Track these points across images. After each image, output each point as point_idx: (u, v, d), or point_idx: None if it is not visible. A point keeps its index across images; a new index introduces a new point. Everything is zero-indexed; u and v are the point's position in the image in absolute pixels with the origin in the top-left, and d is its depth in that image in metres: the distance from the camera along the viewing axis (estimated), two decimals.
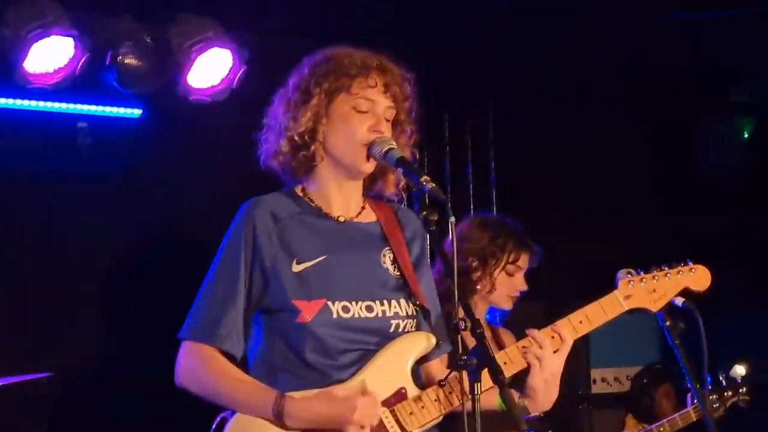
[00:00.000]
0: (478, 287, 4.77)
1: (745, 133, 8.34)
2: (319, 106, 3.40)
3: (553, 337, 3.49)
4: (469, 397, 3.13)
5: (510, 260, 4.81)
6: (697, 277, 3.81)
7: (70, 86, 5.54)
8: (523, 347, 3.46)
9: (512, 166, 7.22)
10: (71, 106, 5.84)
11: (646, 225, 7.63)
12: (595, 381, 7.62)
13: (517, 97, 7.14)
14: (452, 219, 3.20)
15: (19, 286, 5.79)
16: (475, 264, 4.75)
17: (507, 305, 4.89)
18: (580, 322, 3.62)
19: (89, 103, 5.89)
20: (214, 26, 5.65)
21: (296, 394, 3.33)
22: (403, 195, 3.57)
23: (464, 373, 3.17)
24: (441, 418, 3.43)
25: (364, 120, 3.41)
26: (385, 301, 3.44)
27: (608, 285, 4.12)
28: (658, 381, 6.95)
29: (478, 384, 3.14)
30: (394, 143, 3.42)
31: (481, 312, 4.84)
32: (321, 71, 3.42)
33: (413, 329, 3.49)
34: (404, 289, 3.49)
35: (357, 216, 3.52)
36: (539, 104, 7.18)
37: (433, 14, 6.26)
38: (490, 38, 6.66)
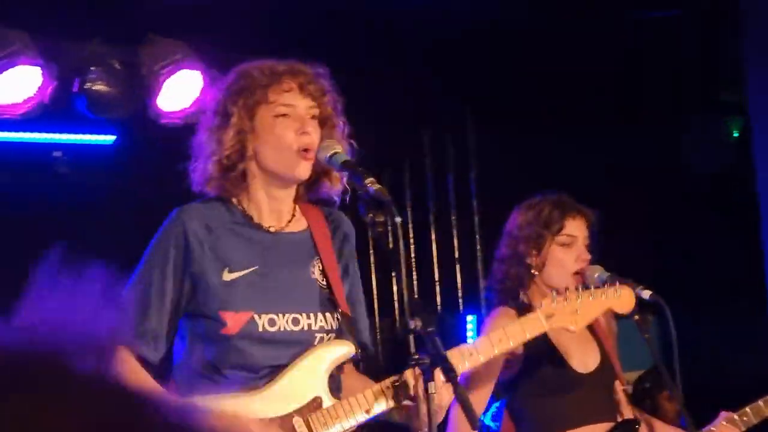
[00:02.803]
0: (533, 272, 4.33)
1: (735, 132, 8.30)
2: (242, 123, 3.37)
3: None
4: (423, 397, 3.11)
5: (557, 231, 4.34)
6: (621, 299, 3.85)
7: (42, 115, 5.54)
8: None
9: (494, 175, 7.20)
10: (45, 135, 5.85)
11: (634, 228, 7.59)
12: None
13: (497, 103, 7.12)
14: (398, 219, 3.19)
15: None
16: (526, 249, 4.34)
17: (573, 282, 4.21)
18: (500, 340, 3.66)
19: (62, 132, 5.90)
20: (182, 48, 5.65)
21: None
22: (348, 190, 3.51)
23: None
24: (355, 428, 3.40)
25: (288, 125, 3.38)
26: (312, 314, 3.43)
27: None
28: (660, 384, 6.88)
29: (432, 383, 3.12)
30: (339, 147, 3.41)
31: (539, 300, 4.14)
32: (234, 90, 3.41)
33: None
34: (330, 300, 3.48)
35: (287, 225, 3.50)
36: (521, 110, 7.16)
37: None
38: (469, 48, 6.66)
